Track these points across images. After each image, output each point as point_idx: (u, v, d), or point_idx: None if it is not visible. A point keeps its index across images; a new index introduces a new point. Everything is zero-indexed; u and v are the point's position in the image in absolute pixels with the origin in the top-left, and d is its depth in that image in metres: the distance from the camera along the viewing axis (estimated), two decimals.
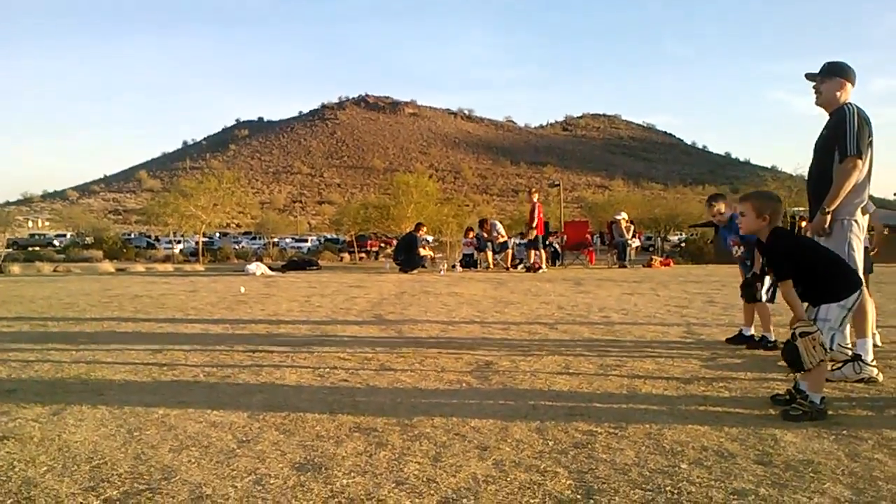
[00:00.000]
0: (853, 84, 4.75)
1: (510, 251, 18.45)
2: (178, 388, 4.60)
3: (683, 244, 40.74)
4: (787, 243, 3.91)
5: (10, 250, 39.08)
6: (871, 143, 4.63)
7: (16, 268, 20.88)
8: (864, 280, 4.69)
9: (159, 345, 6.23)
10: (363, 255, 40.94)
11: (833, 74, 4.74)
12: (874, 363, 4.52)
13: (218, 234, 64.00)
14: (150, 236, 61.67)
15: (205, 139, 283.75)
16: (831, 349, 3.79)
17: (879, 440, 3.24)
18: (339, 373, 5.00)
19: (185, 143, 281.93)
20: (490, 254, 18.20)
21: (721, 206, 6.39)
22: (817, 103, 4.83)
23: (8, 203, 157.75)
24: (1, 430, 3.60)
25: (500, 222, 20.90)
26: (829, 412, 3.74)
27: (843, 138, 4.56)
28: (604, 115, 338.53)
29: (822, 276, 3.88)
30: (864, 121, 4.59)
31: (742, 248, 6.07)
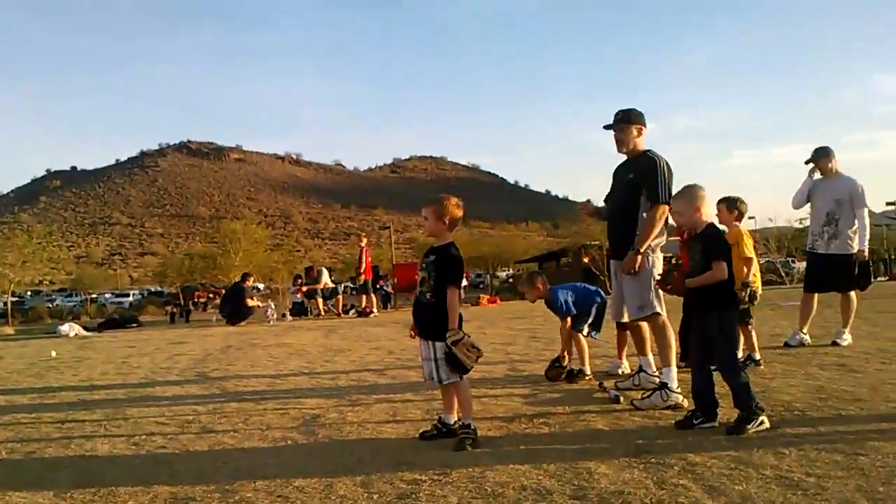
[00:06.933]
0: (646, 126, 5.14)
1: (340, 297, 18.29)
2: None
3: (511, 280, 42.17)
4: None
5: None
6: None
7: None
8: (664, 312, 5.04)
9: None
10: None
11: (629, 122, 5.10)
12: (679, 390, 4.82)
13: (29, 293, 59.50)
14: None
15: (12, 192, 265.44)
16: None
17: (684, 466, 3.44)
18: (157, 439, 4.75)
19: None
20: (320, 301, 17.97)
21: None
22: (620, 151, 5.19)
23: None
24: None
25: (333, 266, 20.74)
26: (640, 441, 3.95)
27: (654, 186, 4.94)
28: (430, 157, 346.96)
29: None
30: (671, 171, 4.99)
31: None
